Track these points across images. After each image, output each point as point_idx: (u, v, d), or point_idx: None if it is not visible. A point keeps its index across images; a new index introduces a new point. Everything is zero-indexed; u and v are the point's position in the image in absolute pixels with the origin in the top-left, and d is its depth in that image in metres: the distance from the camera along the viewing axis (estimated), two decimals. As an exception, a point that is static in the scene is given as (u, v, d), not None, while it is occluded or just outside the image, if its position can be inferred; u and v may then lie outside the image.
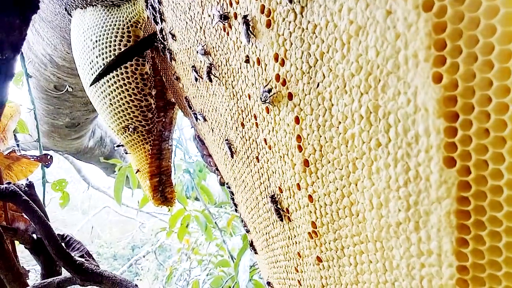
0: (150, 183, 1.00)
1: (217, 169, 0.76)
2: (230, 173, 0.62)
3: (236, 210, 0.69)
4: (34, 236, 0.72)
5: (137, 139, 0.91)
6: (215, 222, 2.10)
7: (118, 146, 1.04)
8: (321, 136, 0.34)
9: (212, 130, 0.63)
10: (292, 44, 0.34)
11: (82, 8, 0.86)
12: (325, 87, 0.32)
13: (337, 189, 0.33)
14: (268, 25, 0.36)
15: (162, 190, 1.06)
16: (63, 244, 0.66)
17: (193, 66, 0.57)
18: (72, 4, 0.88)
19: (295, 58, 0.34)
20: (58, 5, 0.94)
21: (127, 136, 0.90)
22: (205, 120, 0.63)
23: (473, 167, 0.22)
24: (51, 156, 0.83)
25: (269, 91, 0.38)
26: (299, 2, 0.33)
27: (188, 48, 0.56)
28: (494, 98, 0.21)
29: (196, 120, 0.67)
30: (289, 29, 0.34)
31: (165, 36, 0.62)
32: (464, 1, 0.22)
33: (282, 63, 0.36)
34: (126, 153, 0.99)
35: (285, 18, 0.34)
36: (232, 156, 0.56)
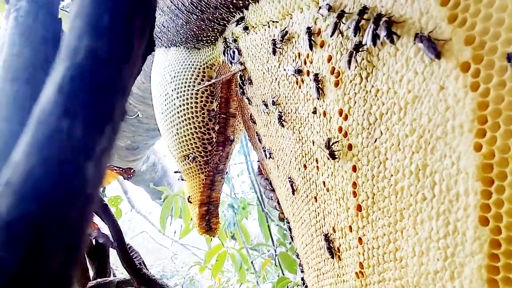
0: (199, 211, 1.07)
1: (278, 203, 0.82)
2: (290, 209, 0.67)
3: (292, 240, 0.73)
4: (94, 242, 0.80)
5: (194, 168, 1.00)
6: (251, 262, 2.08)
7: (176, 172, 1.13)
8: (374, 185, 0.38)
9: (278, 167, 0.69)
10: (356, 103, 0.40)
11: (166, 47, 0.99)
12: (381, 143, 0.37)
13: (384, 234, 0.37)
14: (336, 84, 0.42)
15: (208, 219, 1.12)
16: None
17: (265, 110, 0.64)
18: (159, 43, 1.01)
19: (358, 115, 0.40)
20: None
21: (185, 164, 0.99)
22: (271, 157, 0.69)
23: (504, 228, 0.25)
24: (134, 170, 0.93)
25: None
26: (366, 68, 0.38)
27: (263, 94, 0.64)
28: (525, 170, 0.25)
29: (265, 156, 0.73)
30: (354, 90, 0.40)
31: (244, 82, 0.70)
32: (505, 86, 0.26)
33: (346, 118, 0.41)
34: (182, 179, 1.07)
35: (352, 80, 0.40)
36: (293, 193, 0.61)
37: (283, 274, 1.64)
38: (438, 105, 0.31)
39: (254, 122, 0.75)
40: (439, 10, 0.31)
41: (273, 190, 0.81)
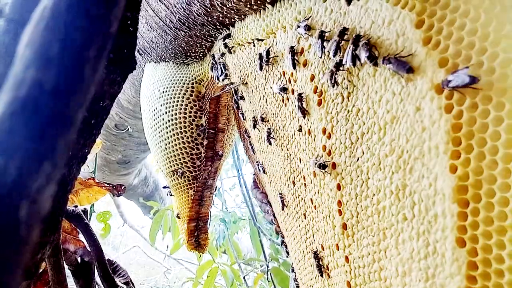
0: (187, 226, 1.06)
1: (274, 217, 0.81)
2: (283, 224, 0.67)
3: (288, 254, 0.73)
4: (79, 259, 0.79)
5: (183, 183, 0.99)
6: (244, 277, 2.04)
7: (164, 187, 1.13)
8: (358, 204, 0.38)
9: (270, 183, 0.69)
10: (338, 122, 0.40)
11: (156, 62, 0.99)
12: (363, 162, 0.37)
13: (369, 253, 0.37)
14: (319, 103, 0.43)
15: (197, 235, 1.11)
16: (109, 269, 0.72)
17: (254, 124, 0.64)
18: (148, 58, 1.01)
19: (340, 134, 0.40)
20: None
21: (174, 179, 0.99)
22: (264, 172, 0.70)
23: (480, 250, 0.26)
24: (124, 187, 0.92)
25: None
26: (347, 88, 0.39)
27: (253, 111, 0.64)
28: (498, 192, 0.25)
29: (258, 170, 0.73)
30: (336, 109, 0.40)
31: (238, 97, 0.71)
32: (477, 108, 0.27)
33: (329, 137, 0.42)
34: (171, 195, 1.06)
35: (334, 100, 0.41)
36: (282, 209, 0.61)
37: (276, 290, 1.61)
38: (415, 126, 0.31)
39: (249, 136, 0.75)
40: (414, 32, 0.32)
41: (269, 204, 0.81)
